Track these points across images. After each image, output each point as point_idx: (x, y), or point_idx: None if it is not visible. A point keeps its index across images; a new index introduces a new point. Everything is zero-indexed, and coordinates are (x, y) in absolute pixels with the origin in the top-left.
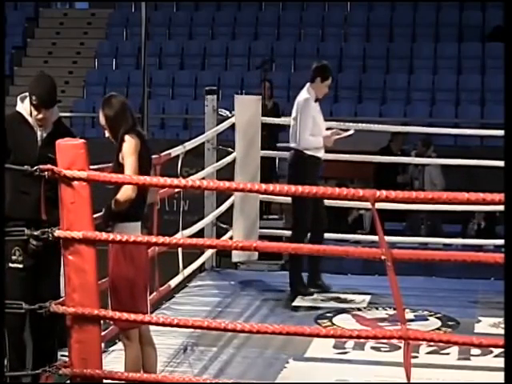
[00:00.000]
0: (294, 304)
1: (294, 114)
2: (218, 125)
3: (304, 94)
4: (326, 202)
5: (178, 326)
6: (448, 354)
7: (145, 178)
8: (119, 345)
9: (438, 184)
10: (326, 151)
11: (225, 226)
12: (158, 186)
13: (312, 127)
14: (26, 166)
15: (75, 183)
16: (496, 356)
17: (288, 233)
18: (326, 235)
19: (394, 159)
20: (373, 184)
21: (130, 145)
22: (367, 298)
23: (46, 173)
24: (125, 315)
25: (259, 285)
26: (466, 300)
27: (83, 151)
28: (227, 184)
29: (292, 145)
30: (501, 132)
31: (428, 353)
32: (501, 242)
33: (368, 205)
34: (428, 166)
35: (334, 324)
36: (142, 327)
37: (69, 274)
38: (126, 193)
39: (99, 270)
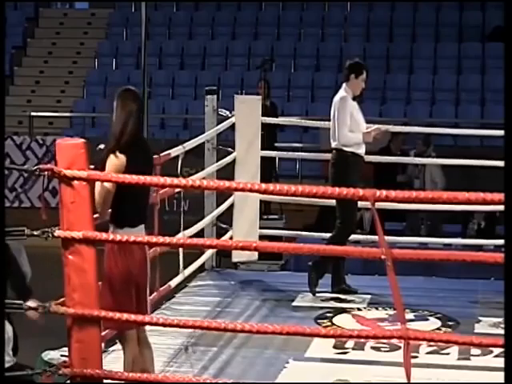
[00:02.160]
0: (294, 304)
1: (332, 113)
2: (218, 125)
3: (341, 93)
4: (327, 202)
5: (177, 326)
6: (448, 354)
7: (145, 177)
8: (119, 345)
9: (438, 182)
10: (327, 151)
11: (225, 225)
12: (158, 186)
13: (350, 124)
14: (27, 165)
15: (75, 183)
16: (496, 356)
17: (288, 233)
18: (326, 235)
19: (393, 159)
20: (373, 184)
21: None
22: (367, 297)
23: (46, 173)
24: (124, 315)
25: (259, 285)
26: (466, 300)
27: (83, 151)
28: (227, 184)
29: (332, 144)
30: (501, 132)
31: (428, 353)
32: (501, 242)
33: (368, 205)
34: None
35: (333, 324)
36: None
37: (69, 273)
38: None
39: (99, 270)
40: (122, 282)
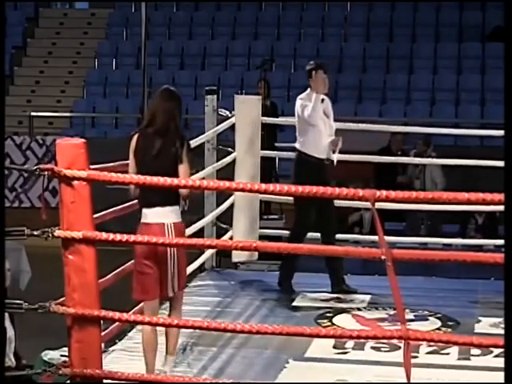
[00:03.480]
0: (294, 304)
1: (295, 113)
2: (218, 125)
3: (302, 95)
4: None
5: (177, 326)
6: (448, 353)
7: (145, 177)
8: (119, 345)
9: (438, 183)
10: None
11: (225, 226)
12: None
13: (311, 127)
14: (27, 165)
15: (75, 183)
16: (496, 356)
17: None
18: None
19: (394, 159)
20: (373, 184)
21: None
22: (367, 297)
23: (46, 172)
24: (124, 315)
25: (259, 285)
26: (466, 300)
27: (83, 151)
28: (227, 184)
29: (295, 145)
30: (501, 132)
31: (428, 353)
32: (501, 242)
33: (368, 205)
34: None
35: (333, 324)
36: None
37: (69, 273)
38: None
39: (99, 270)
40: (142, 257)
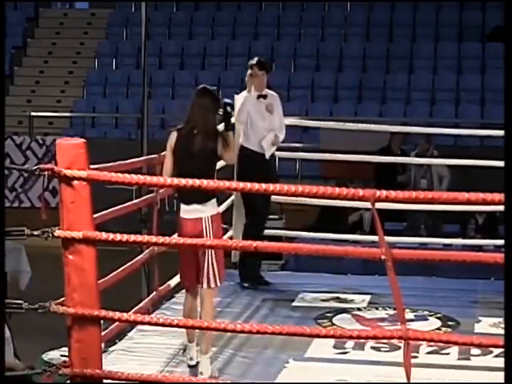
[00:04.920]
0: (294, 304)
1: None
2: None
3: (242, 93)
4: (327, 202)
5: (177, 326)
6: (448, 353)
7: (145, 177)
8: (119, 345)
9: (446, 176)
10: (327, 151)
11: (225, 226)
12: (158, 186)
13: (249, 122)
14: (27, 165)
15: (75, 183)
16: (496, 356)
17: (288, 233)
18: (326, 235)
19: (394, 159)
20: (373, 184)
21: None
22: (367, 297)
23: (46, 172)
24: (124, 315)
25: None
26: (466, 300)
27: (83, 151)
28: (227, 184)
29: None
30: (501, 132)
31: (428, 353)
32: (501, 242)
33: (368, 205)
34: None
35: (333, 324)
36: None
37: (69, 273)
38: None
39: (99, 270)
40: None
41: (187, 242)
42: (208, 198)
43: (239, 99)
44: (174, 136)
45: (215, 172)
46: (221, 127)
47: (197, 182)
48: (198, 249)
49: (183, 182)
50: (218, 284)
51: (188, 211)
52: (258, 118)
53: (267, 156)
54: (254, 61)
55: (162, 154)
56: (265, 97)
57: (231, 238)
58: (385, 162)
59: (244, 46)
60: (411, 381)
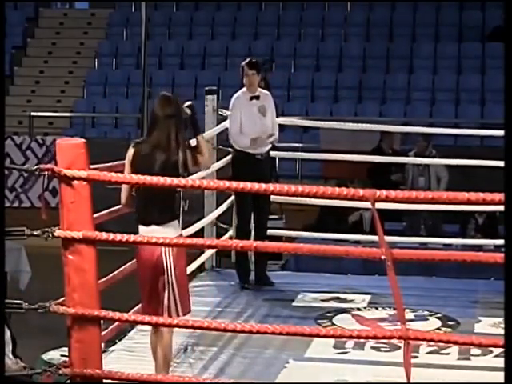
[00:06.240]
0: (294, 304)
1: None
2: (217, 125)
3: (235, 94)
4: (327, 202)
5: (177, 326)
6: (448, 354)
7: (145, 177)
8: (119, 345)
9: (444, 176)
10: (327, 151)
11: (225, 226)
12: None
13: (240, 124)
14: (27, 165)
15: (75, 183)
16: (496, 356)
17: (288, 233)
18: (326, 235)
19: (390, 159)
20: (370, 183)
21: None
22: (367, 297)
23: (46, 172)
24: (124, 315)
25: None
26: (466, 300)
27: (83, 151)
28: (227, 184)
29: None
30: (501, 132)
31: (428, 353)
32: (501, 242)
33: (368, 205)
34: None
35: (334, 324)
36: None
37: (69, 273)
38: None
39: (99, 270)
40: (138, 276)
41: (188, 242)
42: (169, 219)
43: (231, 101)
44: (131, 152)
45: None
46: (191, 139)
47: (204, 182)
48: (159, 278)
49: (183, 182)
50: (181, 315)
51: (146, 234)
52: (250, 120)
53: (260, 155)
54: (248, 62)
55: None
56: (257, 97)
57: (231, 238)
58: (377, 162)
59: (244, 45)
60: (411, 381)
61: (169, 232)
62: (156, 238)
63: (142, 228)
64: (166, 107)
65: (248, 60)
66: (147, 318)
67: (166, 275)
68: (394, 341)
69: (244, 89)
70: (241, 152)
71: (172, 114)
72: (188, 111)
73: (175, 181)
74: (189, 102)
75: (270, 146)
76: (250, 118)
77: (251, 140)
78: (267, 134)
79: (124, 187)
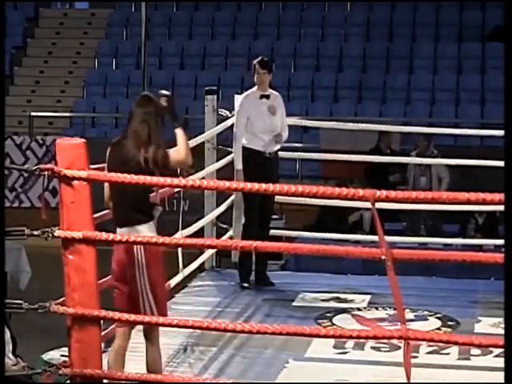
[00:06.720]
0: (294, 304)
1: None
2: (217, 125)
3: (245, 93)
4: (327, 202)
5: (177, 326)
6: (448, 354)
7: (145, 177)
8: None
9: (445, 177)
10: (327, 151)
11: (225, 226)
12: (158, 186)
13: (247, 124)
14: (27, 165)
15: (75, 183)
16: (496, 356)
17: (288, 233)
18: (326, 235)
19: (388, 159)
20: (368, 184)
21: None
22: (367, 297)
23: (46, 172)
24: (124, 315)
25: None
26: (466, 300)
27: (83, 151)
28: (227, 184)
29: None
30: (501, 132)
31: (428, 353)
32: (501, 242)
33: (368, 205)
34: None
35: (334, 324)
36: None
37: (69, 273)
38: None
39: (99, 270)
40: (113, 277)
41: (188, 242)
42: (142, 220)
43: (240, 99)
44: (108, 151)
45: (150, 188)
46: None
47: (204, 182)
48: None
49: (183, 181)
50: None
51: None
52: (259, 119)
53: (268, 154)
54: (259, 60)
55: None
56: (268, 97)
57: (231, 237)
58: (375, 162)
59: (244, 45)
60: (411, 381)
61: (143, 234)
62: (158, 238)
63: (117, 230)
64: (142, 106)
65: (260, 59)
66: (147, 318)
67: (138, 279)
68: (394, 341)
69: (254, 87)
70: (249, 150)
71: (146, 112)
72: (164, 103)
73: (175, 181)
74: (165, 92)
75: (279, 145)
76: (259, 115)
77: (273, 136)
78: (275, 133)
79: (105, 186)
